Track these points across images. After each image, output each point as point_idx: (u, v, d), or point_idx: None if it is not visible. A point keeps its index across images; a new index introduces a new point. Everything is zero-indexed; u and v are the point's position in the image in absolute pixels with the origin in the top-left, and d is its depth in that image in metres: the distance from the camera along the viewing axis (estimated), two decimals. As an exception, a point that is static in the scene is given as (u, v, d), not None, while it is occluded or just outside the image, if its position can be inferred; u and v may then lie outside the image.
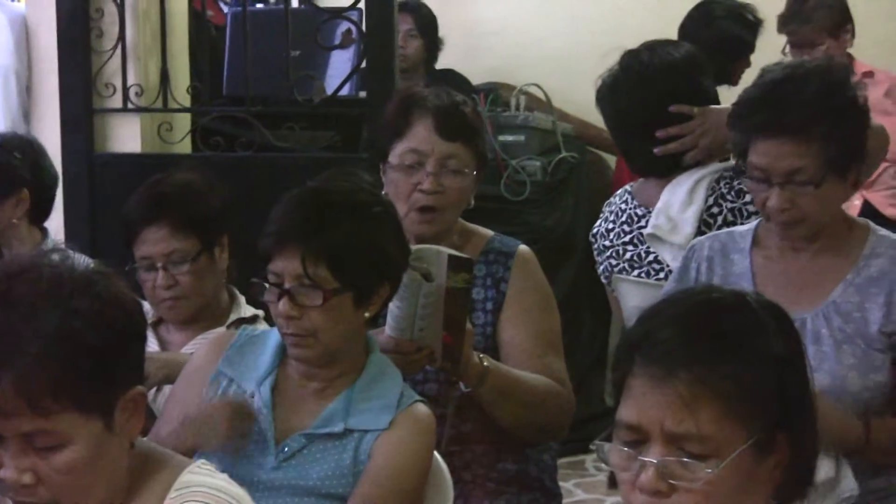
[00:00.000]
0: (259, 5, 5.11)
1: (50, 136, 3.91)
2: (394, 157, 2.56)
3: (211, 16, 4.51)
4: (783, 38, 4.55)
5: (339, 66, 4.18)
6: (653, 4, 5.28)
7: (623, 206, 2.91)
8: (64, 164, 3.92)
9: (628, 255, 2.86)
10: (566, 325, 2.73)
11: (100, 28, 4.02)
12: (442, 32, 5.24)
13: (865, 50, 4.74)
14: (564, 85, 5.00)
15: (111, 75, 4.03)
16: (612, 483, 1.53)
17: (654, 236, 2.78)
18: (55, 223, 3.58)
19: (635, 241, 2.85)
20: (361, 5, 3.93)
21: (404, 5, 4.81)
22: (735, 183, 2.72)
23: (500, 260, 2.59)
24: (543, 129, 4.76)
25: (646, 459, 1.47)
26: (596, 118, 3.01)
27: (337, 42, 4.06)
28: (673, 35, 4.36)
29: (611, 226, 2.91)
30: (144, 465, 1.64)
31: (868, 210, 4.35)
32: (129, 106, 4.03)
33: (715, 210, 2.74)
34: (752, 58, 4.53)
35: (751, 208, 2.66)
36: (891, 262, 2.30)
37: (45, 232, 3.28)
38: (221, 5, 5.00)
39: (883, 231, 2.38)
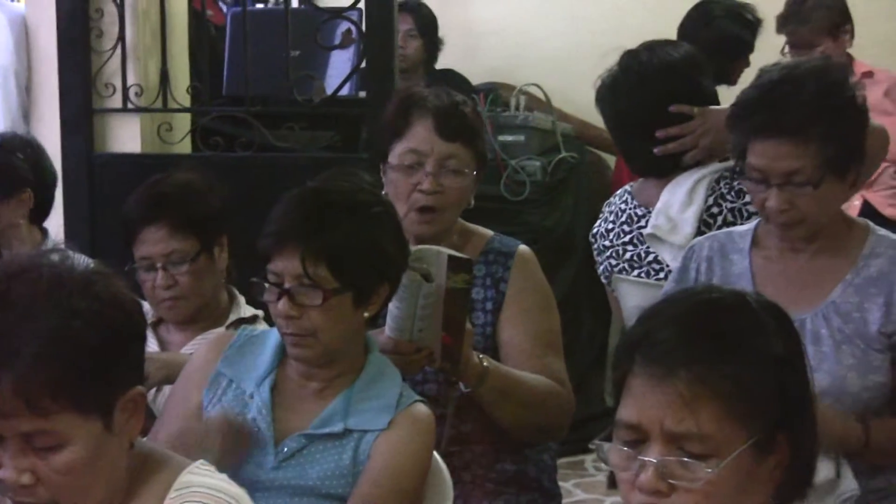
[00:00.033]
0: (259, 5, 5.11)
1: (50, 136, 3.91)
2: (393, 158, 2.56)
3: (211, 16, 4.51)
4: (782, 39, 4.55)
5: (339, 66, 4.18)
6: (653, 4, 5.28)
7: (623, 206, 2.91)
8: (64, 165, 3.92)
9: (628, 255, 2.86)
10: (566, 325, 2.73)
11: (99, 28, 4.02)
12: (442, 32, 5.24)
13: (865, 50, 4.74)
14: (564, 85, 5.00)
15: (111, 75, 4.03)
16: (612, 483, 1.53)
17: (653, 236, 2.78)
18: (55, 223, 3.59)
19: (635, 241, 2.85)
20: (361, 5, 3.93)
21: (404, 5, 4.81)
22: (735, 183, 2.72)
23: (499, 260, 2.59)
24: (543, 129, 4.76)
25: (645, 459, 1.47)
26: (596, 118, 3.02)
27: (337, 42, 4.06)
28: (673, 35, 4.36)
29: (610, 226, 2.91)
30: (144, 466, 1.64)
31: (867, 210, 4.35)
32: (129, 106, 4.03)
33: (715, 210, 2.74)
34: (752, 58, 4.53)
35: (751, 208, 2.66)
36: (890, 263, 2.30)
37: (44, 232, 3.28)
38: (221, 5, 5.00)
39: (882, 231, 2.38)
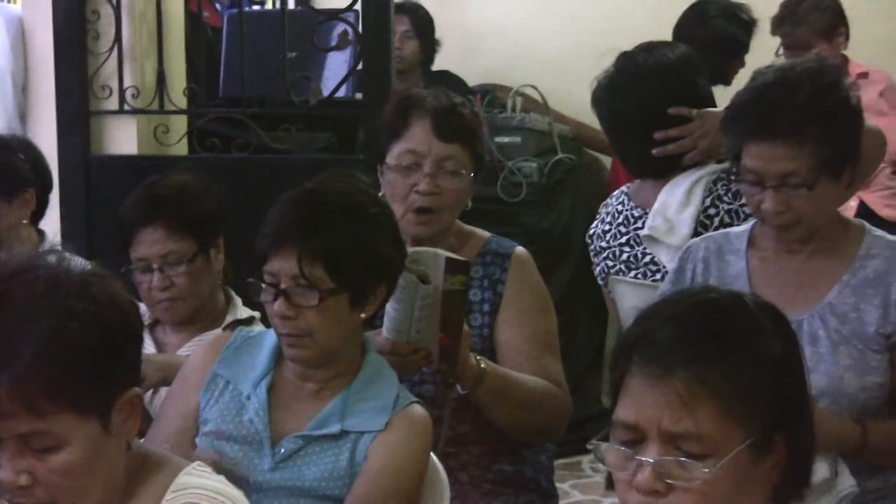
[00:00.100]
0: (255, 7, 5.11)
1: (46, 138, 3.91)
2: (391, 158, 2.56)
3: (207, 17, 4.51)
4: (777, 39, 4.55)
5: (336, 68, 4.18)
6: (652, 5, 5.28)
7: (620, 207, 2.91)
8: (60, 166, 3.92)
9: (625, 256, 2.86)
10: (563, 327, 2.74)
11: (96, 30, 4.02)
12: (438, 34, 5.25)
13: (865, 50, 4.74)
14: (561, 86, 5.00)
15: (107, 77, 4.03)
16: (610, 484, 1.54)
17: (650, 237, 2.79)
18: (52, 225, 3.58)
19: (632, 242, 2.85)
20: (358, 7, 3.93)
21: (401, 7, 4.81)
22: (732, 185, 2.73)
23: (496, 262, 2.59)
24: (540, 130, 4.76)
25: (643, 459, 1.47)
26: (592, 119, 3.02)
27: (333, 44, 4.06)
28: (670, 36, 4.37)
29: (607, 227, 2.91)
30: (141, 467, 1.64)
31: (864, 211, 4.35)
32: (126, 108, 4.02)
33: (712, 211, 2.74)
34: (747, 58, 4.53)
35: (748, 210, 2.65)
36: (886, 263, 2.30)
37: (41, 234, 3.28)
38: (217, 7, 5.00)
39: (878, 232, 2.38)
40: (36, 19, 4.10)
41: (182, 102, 4.12)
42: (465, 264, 2.32)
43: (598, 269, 2.94)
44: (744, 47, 4.55)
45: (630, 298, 2.84)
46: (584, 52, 4.48)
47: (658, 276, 2.77)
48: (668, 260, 2.72)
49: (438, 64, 5.26)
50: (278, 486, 2.12)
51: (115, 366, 1.56)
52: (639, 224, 2.83)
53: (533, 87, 4.90)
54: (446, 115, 2.55)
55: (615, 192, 2.99)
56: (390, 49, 3.92)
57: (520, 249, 2.63)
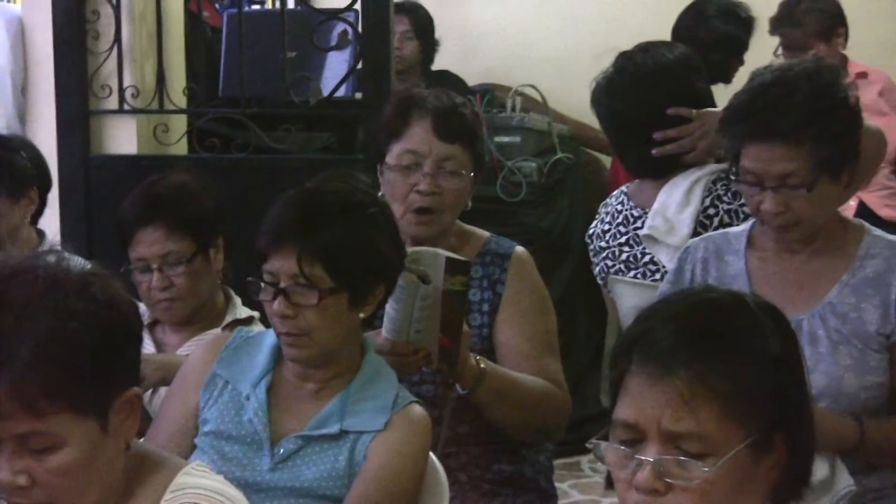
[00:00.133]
0: (255, 6, 5.10)
1: (46, 138, 3.91)
2: (391, 158, 2.56)
3: (207, 17, 4.51)
4: (776, 39, 4.55)
5: (335, 68, 4.18)
6: (652, 5, 5.28)
7: (619, 207, 2.91)
8: (60, 166, 3.92)
9: (624, 256, 2.86)
10: (562, 327, 2.73)
11: (96, 29, 4.02)
12: (438, 34, 5.25)
13: (865, 50, 4.74)
14: (560, 86, 5.00)
15: (107, 77, 4.03)
16: (609, 484, 1.54)
17: (650, 237, 2.79)
18: (51, 225, 3.58)
19: (631, 242, 2.85)
20: (357, 6, 3.93)
21: (400, 7, 4.81)
22: (731, 185, 2.72)
23: (496, 262, 2.59)
24: (539, 130, 4.76)
25: (642, 458, 1.47)
26: (592, 119, 3.02)
27: (333, 43, 4.06)
28: (670, 36, 4.37)
29: (607, 227, 2.91)
30: (140, 467, 1.64)
31: (863, 211, 4.35)
32: (125, 107, 4.02)
33: (711, 212, 2.74)
34: (747, 57, 4.53)
35: (747, 210, 2.65)
36: (886, 263, 2.30)
37: (41, 233, 3.28)
38: (217, 6, 5.00)
39: (878, 231, 2.38)
40: (35, 19, 4.10)
41: (182, 102, 4.12)
42: (466, 264, 2.32)
43: (597, 268, 2.94)
44: (743, 45, 4.55)
45: (629, 298, 2.84)
46: (584, 51, 4.49)
47: (657, 275, 2.77)
48: (667, 260, 2.72)
49: (438, 64, 5.26)
50: (277, 487, 2.12)
51: (115, 366, 1.56)
52: (638, 224, 2.83)
53: (532, 86, 4.90)
54: (447, 116, 2.55)
55: (615, 192, 2.99)
56: (390, 49, 3.92)
57: (519, 249, 2.63)
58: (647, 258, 2.81)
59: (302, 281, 2.12)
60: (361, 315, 2.19)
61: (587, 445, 1.56)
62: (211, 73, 4.28)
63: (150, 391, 2.61)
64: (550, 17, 5.66)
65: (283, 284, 2.13)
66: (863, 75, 4.52)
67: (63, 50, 4.00)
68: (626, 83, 2.82)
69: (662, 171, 2.81)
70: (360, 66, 3.97)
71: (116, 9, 3.97)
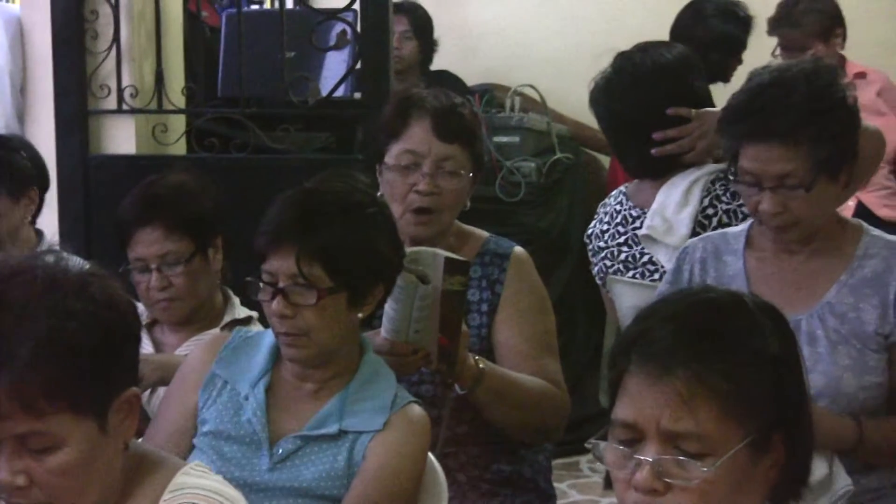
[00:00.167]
0: (254, 6, 5.10)
1: (44, 138, 3.91)
2: (390, 158, 2.56)
3: (205, 17, 4.51)
4: (774, 39, 4.55)
5: (334, 68, 4.18)
6: (651, 5, 5.28)
7: (618, 207, 2.91)
8: (59, 166, 3.92)
9: (623, 256, 2.86)
10: (561, 327, 2.73)
11: (94, 29, 4.02)
12: (437, 34, 5.24)
13: (864, 50, 4.74)
14: (559, 86, 5.00)
15: (106, 77, 4.03)
16: (608, 484, 1.54)
17: (648, 237, 2.79)
18: (50, 225, 3.58)
19: (630, 242, 2.85)
20: (356, 6, 3.93)
21: (399, 6, 4.81)
22: (730, 185, 2.73)
23: (495, 262, 2.59)
24: (538, 130, 4.76)
25: (641, 458, 1.47)
26: (591, 119, 3.02)
27: (332, 43, 4.06)
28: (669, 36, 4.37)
29: (605, 227, 2.91)
30: (139, 467, 1.64)
31: (862, 211, 4.35)
32: (124, 107, 4.02)
33: (710, 212, 2.74)
34: (745, 56, 4.53)
35: (746, 210, 2.66)
36: (884, 263, 2.30)
37: (39, 233, 3.28)
38: (216, 6, 5.00)
39: (876, 231, 2.38)
40: (34, 19, 4.10)
41: (180, 102, 4.12)
42: (465, 264, 2.32)
43: (596, 268, 2.94)
44: (741, 44, 4.56)
45: (628, 298, 2.84)
46: (583, 51, 4.48)
47: (656, 275, 2.77)
48: (666, 260, 2.72)
49: (437, 64, 5.26)
50: (276, 487, 2.12)
51: (113, 366, 1.56)
52: (637, 224, 2.83)
53: (531, 86, 4.90)
54: (446, 116, 2.55)
55: (613, 192, 2.99)
56: (389, 49, 3.92)
57: (518, 249, 2.63)
58: (645, 258, 2.81)
59: (301, 281, 2.12)
60: (360, 315, 2.19)
61: (586, 445, 1.56)
62: (210, 72, 4.29)
63: (148, 391, 2.60)
64: (550, 17, 5.65)
65: (281, 284, 2.13)
66: (861, 75, 4.52)
67: (62, 50, 4.00)
68: (624, 83, 2.82)
69: (661, 171, 2.81)
70: (358, 66, 3.97)
71: (115, 9, 3.97)
